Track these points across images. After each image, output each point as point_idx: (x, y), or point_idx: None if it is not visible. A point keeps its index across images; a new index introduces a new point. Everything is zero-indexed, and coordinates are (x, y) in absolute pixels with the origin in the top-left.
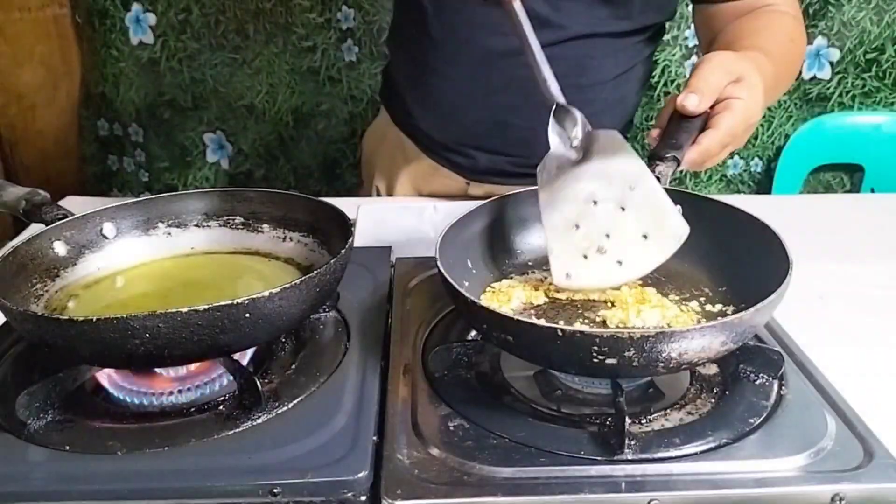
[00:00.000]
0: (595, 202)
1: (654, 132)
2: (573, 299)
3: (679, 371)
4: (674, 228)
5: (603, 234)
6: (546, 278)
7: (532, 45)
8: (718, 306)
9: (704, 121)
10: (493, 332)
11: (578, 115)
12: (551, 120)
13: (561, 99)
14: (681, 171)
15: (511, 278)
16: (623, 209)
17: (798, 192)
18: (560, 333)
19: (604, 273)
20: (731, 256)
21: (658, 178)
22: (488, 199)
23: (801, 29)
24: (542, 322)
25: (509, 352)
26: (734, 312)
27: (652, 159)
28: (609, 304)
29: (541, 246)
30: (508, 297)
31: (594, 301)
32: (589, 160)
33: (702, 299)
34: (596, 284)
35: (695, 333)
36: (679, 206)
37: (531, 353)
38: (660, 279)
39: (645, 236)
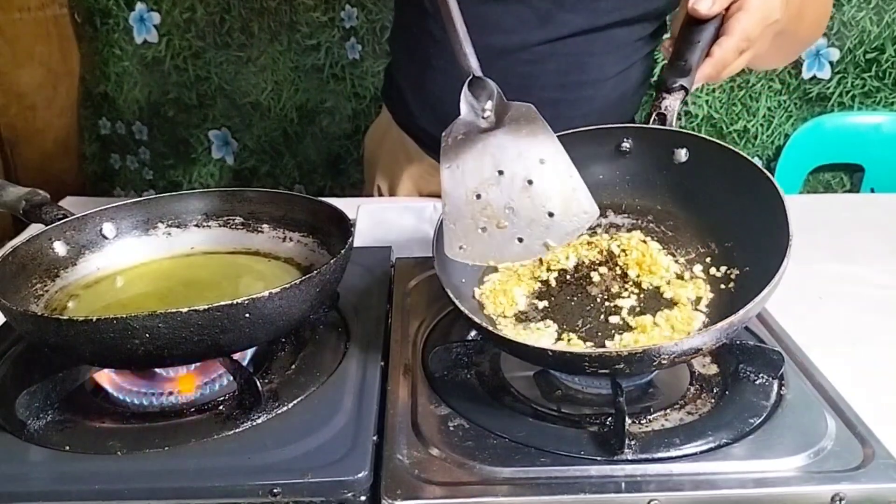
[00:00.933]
0: (501, 172)
1: (667, 42)
2: (574, 272)
3: (674, 365)
4: (583, 208)
5: (505, 207)
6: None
7: (452, 10)
8: (723, 269)
9: (718, 28)
10: (489, 342)
11: (494, 87)
12: (464, 89)
13: (478, 72)
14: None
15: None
16: (530, 182)
17: (798, 191)
18: (550, 354)
19: (500, 249)
20: (738, 209)
21: (664, 114)
22: None
23: None
24: (531, 342)
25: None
26: (737, 277)
27: (659, 90)
28: (616, 274)
29: None
30: (512, 300)
31: (597, 266)
32: (500, 129)
33: (708, 259)
34: (490, 260)
35: (683, 344)
36: (685, 149)
37: (527, 360)
38: (666, 233)
39: (551, 214)
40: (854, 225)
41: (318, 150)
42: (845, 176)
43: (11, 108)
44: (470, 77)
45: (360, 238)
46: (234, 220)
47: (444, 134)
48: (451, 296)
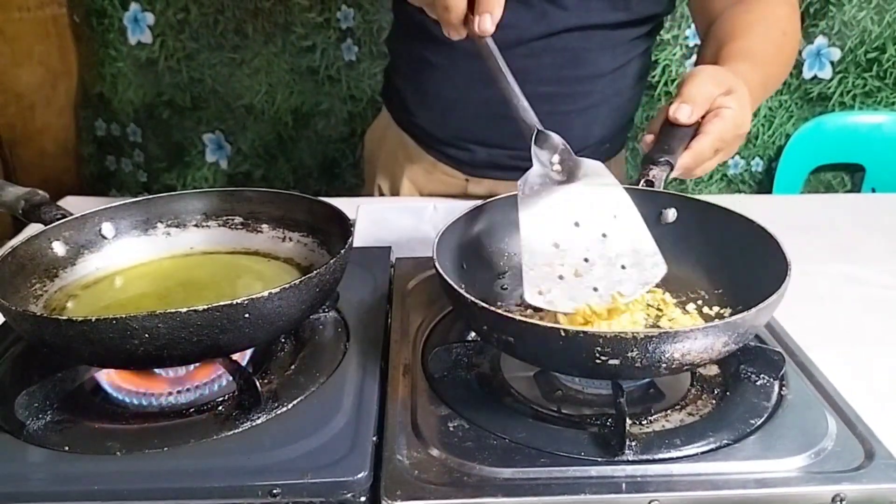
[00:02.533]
0: (577, 224)
1: (648, 138)
2: None
3: (680, 372)
4: (653, 265)
5: (581, 257)
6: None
7: (507, 75)
8: (716, 308)
9: (695, 130)
10: (494, 332)
11: (559, 140)
12: (532, 145)
13: (539, 125)
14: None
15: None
16: (605, 236)
17: (799, 191)
18: (563, 334)
19: (577, 297)
20: (727, 259)
21: (651, 182)
22: (486, 200)
23: (796, 17)
24: (544, 322)
25: (510, 353)
26: (732, 315)
27: (645, 163)
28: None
29: None
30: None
31: None
32: (574, 182)
33: (699, 302)
34: (567, 307)
35: (698, 334)
36: (673, 209)
37: (533, 354)
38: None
39: (623, 267)
40: (855, 225)
41: (313, 154)
42: (846, 176)
43: (11, 107)
44: (535, 131)
45: (360, 238)
46: (233, 220)
47: (519, 183)
48: (454, 284)
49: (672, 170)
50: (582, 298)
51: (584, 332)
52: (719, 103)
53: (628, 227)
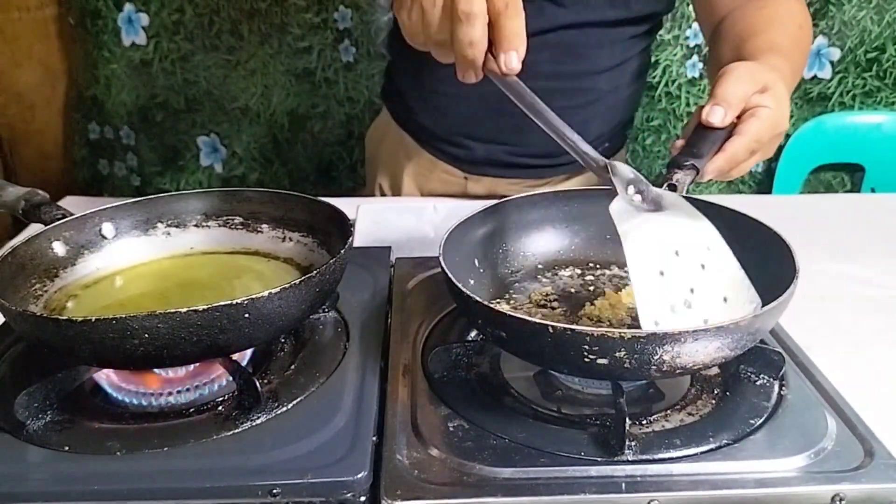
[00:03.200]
0: (677, 253)
1: (679, 142)
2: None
3: (675, 376)
4: (749, 297)
5: (688, 288)
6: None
7: (546, 112)
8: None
9: (730, 132)
10: (488, 327)
11: (628, 169)
12: (611, 176)
13: (602, 158)
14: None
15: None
16: (703, 267)
17: (798, 191)
18: (551, 331)
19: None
20: (746, 266)
21: (674, 186)
22: (493, 203)
23: (807, 12)
24: (533, 319)
25: (505, 349)
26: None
27: (671, 167)
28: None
29: (550, 249)
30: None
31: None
32: (665, 211)
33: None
34: None
35: (687, 336)
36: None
37: (525, 350)
38: None
39: (725, 299)
40: (855, 225)
41: (310, 157)
42: (846, 176)
43: (10, 107)
44: (605, 165)
45: (360, 238)
46: (233, 220)
47: (611, 209)
48: (452, 277)
49: (698, 174)
50: None
51: (572, 331)
52: (755, 102)
53: (722, 259)
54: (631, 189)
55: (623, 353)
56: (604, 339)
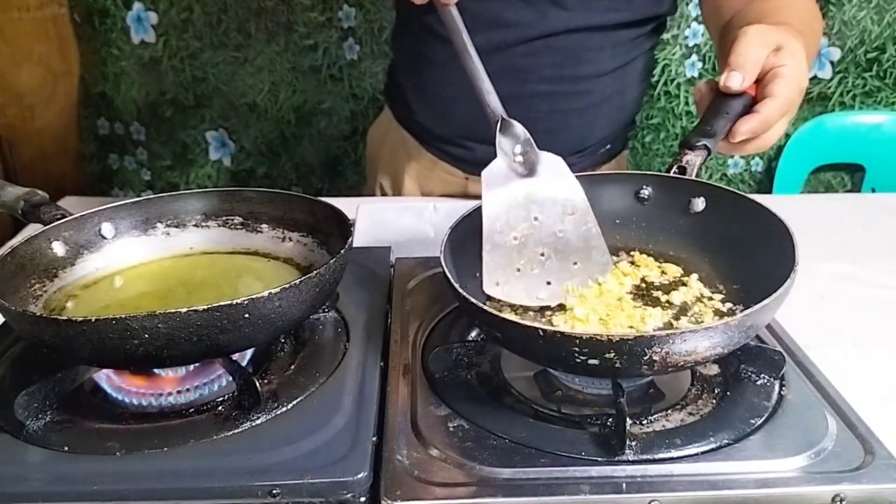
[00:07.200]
0: (536, 219)
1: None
2: None
3: (667, 373)
4: (601, 261)
5: (538, 252)
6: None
7: (472, 53)
8: (728, 305)
9: (746, 104)
10: (484, 326)
11: (522, 130)
12: (497, 135)
13: (503, 113)
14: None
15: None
16: (560, 232)
17: (799, 191)
18: (541, 333)
19: (532, 290)
20: (749, 255)
21: (684, 168)
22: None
23: (815, 5)
24: (525, 321)
25: (503, 347)
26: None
27: (682, 147)
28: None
29: None
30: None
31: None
32: (536, 177)
33: (717, 297)
34: (522, 299)
35: (675, 338)
36: (703, 198)
37: (521, 349)
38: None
39: (575, 263)
40: (855, 225)
41: (316, 151)
42: (846, 176)
43: (10, 108)
44: (499, 120)
45: (360, 238)
46: (233, 220)
47: (483, 173)
48: (451, 277)
49: (709, 155)
50: (535, 291)
51: (561, 333)
52: (773, 62)
53: (582, 225)
54: (518, 149)
55: (613, 355)
56: (593, 341)
